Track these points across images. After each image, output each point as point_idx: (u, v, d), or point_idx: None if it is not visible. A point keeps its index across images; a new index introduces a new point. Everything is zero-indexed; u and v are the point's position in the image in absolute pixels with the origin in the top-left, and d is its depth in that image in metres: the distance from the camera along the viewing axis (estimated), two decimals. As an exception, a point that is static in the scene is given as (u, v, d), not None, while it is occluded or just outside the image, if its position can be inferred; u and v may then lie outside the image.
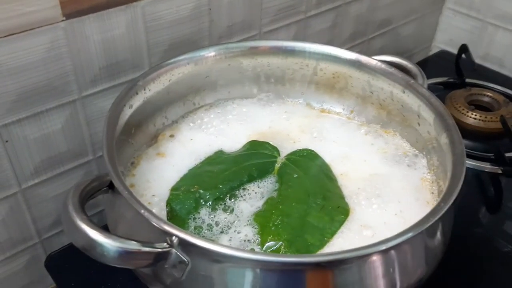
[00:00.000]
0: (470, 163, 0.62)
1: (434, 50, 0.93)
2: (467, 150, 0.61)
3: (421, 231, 0.31)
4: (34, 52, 0.43)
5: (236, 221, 0.38)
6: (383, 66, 0.46)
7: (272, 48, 0.50)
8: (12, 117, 0.44)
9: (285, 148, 0.47)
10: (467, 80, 0.75)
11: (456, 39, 0.86)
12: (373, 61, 0.47)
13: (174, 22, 0.51)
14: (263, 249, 0.36)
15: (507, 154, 0.61)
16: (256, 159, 0.44)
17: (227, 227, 0.38)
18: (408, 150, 0.47)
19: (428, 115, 0.43)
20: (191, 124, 0.50)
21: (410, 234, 0.31)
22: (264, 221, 0.37)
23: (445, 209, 0.32)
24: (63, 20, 0.43)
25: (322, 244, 0.36)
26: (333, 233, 0.37)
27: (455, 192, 0.33)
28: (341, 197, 0.41)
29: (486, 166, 0.62)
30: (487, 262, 0.51)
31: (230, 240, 0.37)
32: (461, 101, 0.69)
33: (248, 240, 0.37)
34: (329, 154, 0.46)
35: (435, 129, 0.42)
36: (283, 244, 0.35)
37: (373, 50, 0.79)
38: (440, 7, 0.88)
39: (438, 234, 0.36)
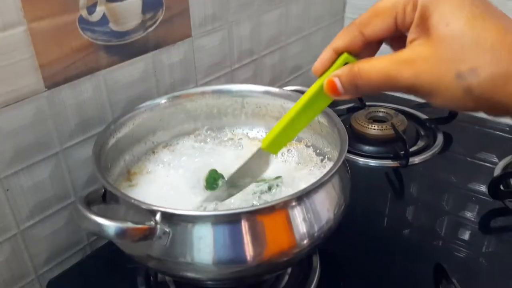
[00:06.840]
0: (376, 162, 0.80)
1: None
2: (373, 154, 0.81)
3: (323, 182, 0.46)
4: (25, 117, 0.55)
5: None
6: (289, 92, 0.63)
7: (208, 91, 0.65)
8: (11, 169, 0.56)
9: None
10: (367, 103, 0.95)
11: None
12: (282, 90, 0.64)
13: (129, 84, 0.66)
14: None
15: (401, 152, 0.79)
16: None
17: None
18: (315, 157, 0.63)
19: (323, 120, 0.59)
20: (152, 160, 0.63)
21: (312, 186, 0.45)
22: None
23: (338, 165, 0.47)
24: (45, 91, 0.56)
25: None
26: None
27: (343, 155, 0.49)
28: None
29: (388, 163, 0.80)
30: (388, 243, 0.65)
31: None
32: (362, 118, 0.87)
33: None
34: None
35: (329, 127, 0.58)
36: None
37: (290, 91, 0.97)
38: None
39: (338, 187, 0.49)
